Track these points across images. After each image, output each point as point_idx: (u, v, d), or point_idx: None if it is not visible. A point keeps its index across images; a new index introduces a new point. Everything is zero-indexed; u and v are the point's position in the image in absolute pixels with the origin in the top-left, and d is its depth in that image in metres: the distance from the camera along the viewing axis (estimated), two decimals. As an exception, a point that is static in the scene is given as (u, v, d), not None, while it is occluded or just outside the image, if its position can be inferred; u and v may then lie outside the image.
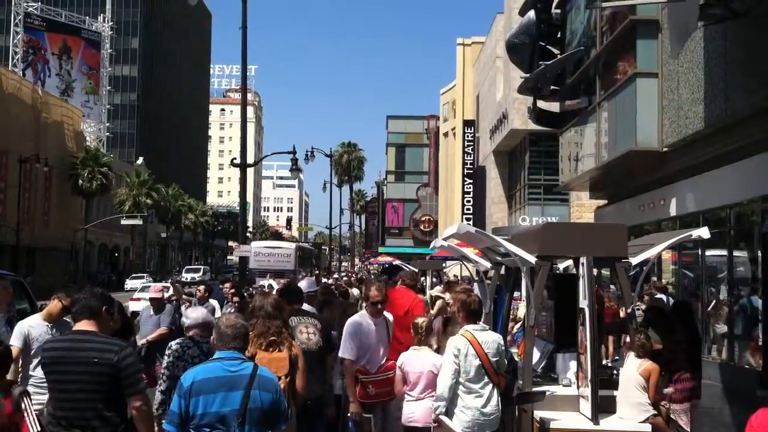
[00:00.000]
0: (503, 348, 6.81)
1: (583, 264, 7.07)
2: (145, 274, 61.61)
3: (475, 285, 14.17)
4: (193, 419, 4.55)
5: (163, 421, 4.73)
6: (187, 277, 64.30)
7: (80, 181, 62.22)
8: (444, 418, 6.39)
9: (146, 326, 11.48)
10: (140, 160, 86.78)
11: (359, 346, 7.66)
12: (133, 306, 27.11)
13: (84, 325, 5.11)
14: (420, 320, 7.50)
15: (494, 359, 6.52)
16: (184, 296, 14.78)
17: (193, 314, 6.47)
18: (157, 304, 11.79)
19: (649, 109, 17.27)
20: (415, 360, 7.21)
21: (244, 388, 4.60)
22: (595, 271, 7.33)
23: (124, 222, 65.52)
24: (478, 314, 6.81)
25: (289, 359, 5.93)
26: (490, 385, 6.48)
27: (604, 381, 7.17)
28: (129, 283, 55.59)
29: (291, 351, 6.03)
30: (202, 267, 77.81)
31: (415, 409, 7.12)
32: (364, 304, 8.51)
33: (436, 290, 14.22)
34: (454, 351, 6.46)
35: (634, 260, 7.88)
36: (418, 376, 7.12)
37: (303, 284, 9.59)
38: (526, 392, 7.05)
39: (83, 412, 4.84)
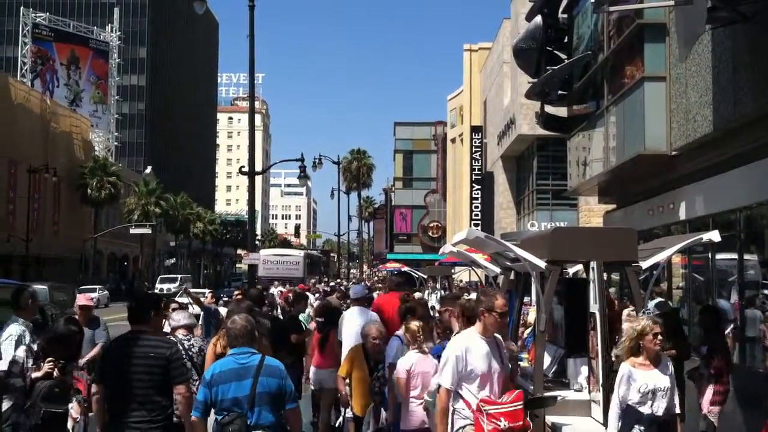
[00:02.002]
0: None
1: (593, 268, 7.05)
2: (98, 286, 52.63)
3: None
4: (215, 405, 5.63)
5: (193, 410, 5.71)
6: (162, 288, 55.95)
7: (89, 191, 62.41)
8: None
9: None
10: (149, 169, 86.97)
11: (464, 371, 6.23)
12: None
13: (138, 327, 6.15)
14: (413, 324, 7.65)
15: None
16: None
17: (176, 317, 7.79)
18: (87, 316, 9.98)
19: (657, 112, 17.23)
20: (423, 363, 7.36)
21: (253, 376, 5.63)
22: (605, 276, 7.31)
23: (132, 231, 65.62)
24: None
25: None
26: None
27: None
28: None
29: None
30: (180, 276, 65.40)
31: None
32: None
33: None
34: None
35: (645, 264, 7.86)
36: (426, 379, 7.25)
37: (354, 290, 11.27)
38: (537, 397, 7.04)
39: (139, 397, 5.81)
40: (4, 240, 49.39)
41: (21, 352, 6.94)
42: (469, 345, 6.22)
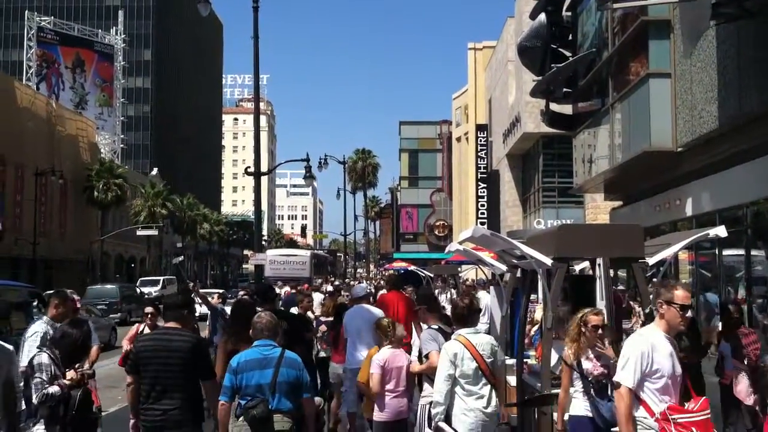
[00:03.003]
0: (497, 348, 7.03)
1: (599, 265, 7.05)
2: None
3: (491, 288, 14.19)
4: (240, 390, 6.26)
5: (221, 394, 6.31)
6: (142, 292, 45.03)
7: (95, 193, 62.49)
8: (443, 424, 6.54)
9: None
10: (155, 171, 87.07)
11: (648, 370, 5.42)
12: None
13: (172, 324, 6.68)
14: (385, 321, 8.09)
15: (489, 360, 6.76)
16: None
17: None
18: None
19: (663, 109, 17.22)
20: (395, 358, 7.77)
21: (274, 367, 6.30)
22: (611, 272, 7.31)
23: (139, 233, 65.66)
24: (468, 318, 7.04)
25: None
26: (489, 386, 6.73)
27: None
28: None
29: None
30: (162, 279, 56.94)
31: (403, 404, 7.78)
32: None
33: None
34: (450, 356, 6.65)
35: (651, 260, 7.85)
36: (399, 373, 7.66)
37: (355, 290, 11.63)
38: (545, 394, 7.05)
39: (170, 386, 6.32)
40: (12, 243, 49.49)
41: (45, 358, 6.41)
42: (655, 342, 5.41)
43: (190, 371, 6.41)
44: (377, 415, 7.77)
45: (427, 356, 7.62)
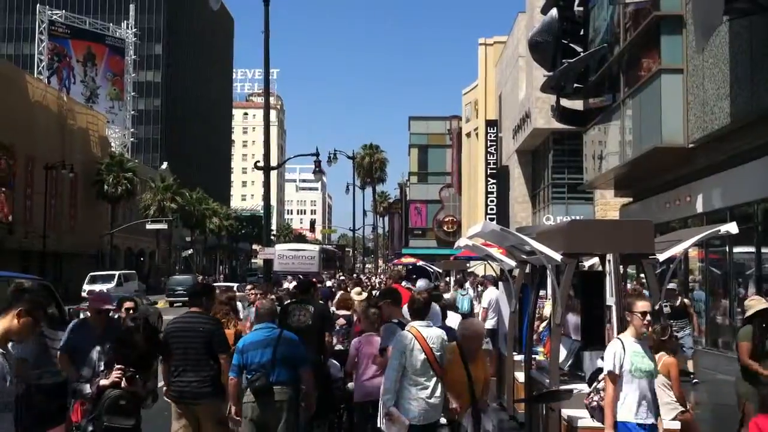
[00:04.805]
0: (446, 343, 7.15)
1: (609, 261, 7.01)
2: None
3: (500, 284, 14.16)
4: (246, 367, 7.42)
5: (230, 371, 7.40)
6: (88, 290, 37.11)
7: (105, 187, 62.66)
8: (393, 409, 6.72)
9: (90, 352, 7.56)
10: (164, 165, 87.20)
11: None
12: None
13: (195, 309, 7.72)
14: (371, 311, 8.54)
15: (438, 353, 6.89)
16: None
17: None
18: (104, 322, 8.02)
19: (674, 105, 17.14)
20: (369, 344, 8.12)
21: (274, 345, 7.43)
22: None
23: (149, 227, 65.84)
24: (422, 312, 7.25)
25: (235, 334, 8.94)
26: (435, 378, 6.84)
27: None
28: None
29: (236, 328, 9.48)
30: (117, 273, 48.41)
31: (375, 384, 7.82)
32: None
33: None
34: (401, 347, 6.83)
35: (661, 257, 7.80)
36: (370, 358, 8.03)
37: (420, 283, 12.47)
38: (553, 390, 7.01)
39: (192, 361, 7.35)
40: (22, 236, 49.69)
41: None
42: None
43: (207, 350, 7.40)
44: (355, 398, 8.33)
45: (385, 350, 7.71)
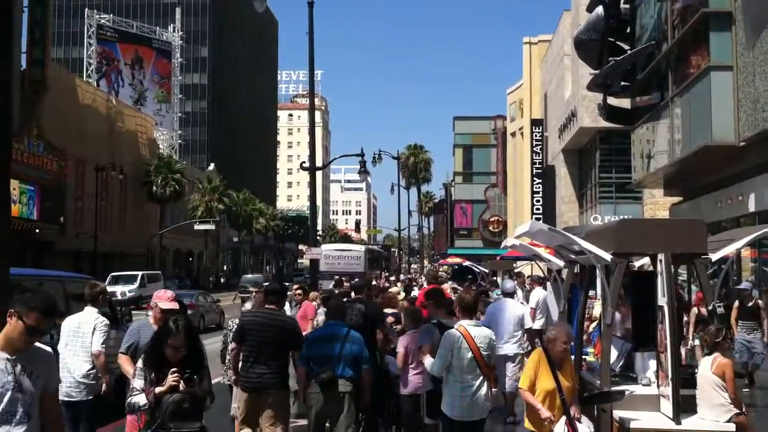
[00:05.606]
0: (494, 343, 7.31)
1: (661, 261, 6.94)
2: None
3: (548, 284, 14.09)
4: (311, 360, 7.89)
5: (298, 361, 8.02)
6: (113, 291, 33.94)
7: (154, 188, 63.56)
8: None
9: None
10: (211, 166, 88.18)
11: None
12: None
13: (272, 306, 8.22)
14: (411, 308, 9.10)
15: (486, 353, 7.00)
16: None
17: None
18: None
19: (725, 102, 16.89)
20: (415, 341, 8.34)
21: (340, 342, 7.86)
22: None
23: (197, 227, 66.61)
24: (473, 310, 7.44)
25: None
26: (481, 377, 6.96)
27: (686, 380, 7.04)
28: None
29: None
30: (140, 274, 45.10)
31: (421, 379, 8.36)
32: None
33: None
34: (448, 345, 6.97)
35: (714, 257, 7.71)
36: (416, 354, 8.24)
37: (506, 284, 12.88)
38: (604, 391, 6.97)
39: (266, 356, 7.83)
40: (73, 236, 50.65)
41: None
42: None
43: (282, 345, 7.94)
44: (402, 390, 8.62)
45: (420, 348, 8.03)
